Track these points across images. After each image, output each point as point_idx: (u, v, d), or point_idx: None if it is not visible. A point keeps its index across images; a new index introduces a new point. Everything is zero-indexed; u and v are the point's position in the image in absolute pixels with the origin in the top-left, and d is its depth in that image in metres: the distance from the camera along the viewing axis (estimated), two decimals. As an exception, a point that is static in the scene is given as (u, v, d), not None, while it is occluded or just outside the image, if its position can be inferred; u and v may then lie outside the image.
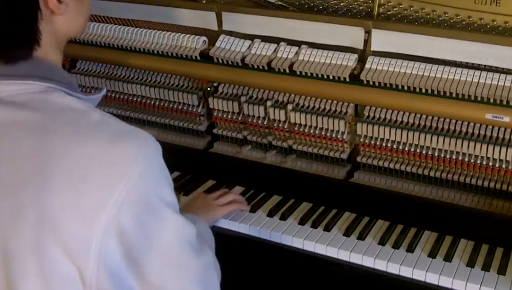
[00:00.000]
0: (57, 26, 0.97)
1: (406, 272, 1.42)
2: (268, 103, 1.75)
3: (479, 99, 1.51)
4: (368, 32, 1.63)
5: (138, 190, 0.88)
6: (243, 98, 1.78)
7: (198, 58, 1.81)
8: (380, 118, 1.64)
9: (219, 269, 1.11)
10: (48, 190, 0.86)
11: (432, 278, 1.39)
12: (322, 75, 1.65)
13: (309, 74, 1.67)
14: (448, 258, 1.44)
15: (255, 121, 1.79)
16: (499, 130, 1.53)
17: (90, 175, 0.86)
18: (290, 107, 1.72)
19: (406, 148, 1.62)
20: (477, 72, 1.52)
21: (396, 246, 1.48)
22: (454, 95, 1.53)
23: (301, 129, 1.73)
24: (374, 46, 1.62)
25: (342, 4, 1.72)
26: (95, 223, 0.86)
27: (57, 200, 0.86)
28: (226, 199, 1.59)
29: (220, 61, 1.78)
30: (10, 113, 0.90)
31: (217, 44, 1.79)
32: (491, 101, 1.50)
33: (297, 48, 1.70)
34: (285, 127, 1.75)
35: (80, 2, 1.00)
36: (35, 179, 0.86)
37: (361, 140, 1.67)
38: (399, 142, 1.63)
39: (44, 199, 0.86)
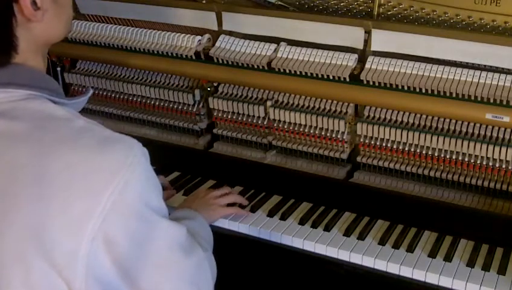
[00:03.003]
0: (36, 32, 0.94)
1: (406, 272, 1.41)
2: (269, 103, 1.75)
3: (479, 99, 1.51)
4: (368, 32, 1.63)
5: (125, 198, 0.87)
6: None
7: (201, 57, 1.80)
8: (380, 118, 1.64)
9: (214, 265, 1.12)
10: (33, 200, 0.84)
11: (431, 278, 1.39)
12: (322, 75, 1.66)
13: (309, 74, 1.67)
14: (448, 258, 1.44)
15: (254, 121, 1.79)
16: (499, 130, 1.53)
17: (75, 183, 0.85)
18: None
19: (406, 148, 1.62)
20: (477, 72, 1.52)
21: (396, 246, 1.48)
22: (454, 95, 1.53)
23: (301, 129, 1.73)
24: (374, 46, 1.62)
25: (342, 4, 1.72)
26: (81, 233, 0.84)
27: (43, 210, 0.84)
28: (228, 199, 1.58)
29: (220, 61, 1.78)
30: None
31: (217, 44, 1.79)
32: (491, 101, 1.50)
33: (297, 47, 1.70)
34: (285, 126, 1.75)
35: (59, 8, 0.97)
36: (21, 189, 0.85)
37: (361, 140, 1.67)
38: (399, 142, 1.63)
39: (30, 210, 0.84)
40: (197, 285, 1.00)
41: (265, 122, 1.78)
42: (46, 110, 0.91)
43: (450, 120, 1.57)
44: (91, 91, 1.06)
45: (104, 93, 2.00)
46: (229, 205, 1.58)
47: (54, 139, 0.87)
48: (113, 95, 1.99)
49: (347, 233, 1.53)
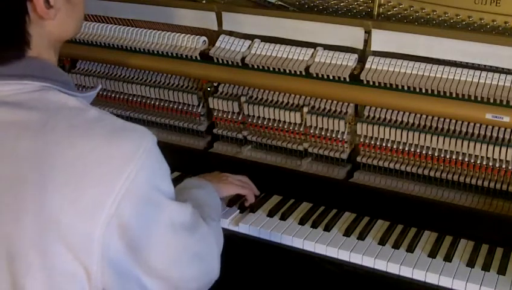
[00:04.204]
0: (48, 29, 0.97)
1: (406, 272, 1.41)
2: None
3: (479, 99, 1.51)
4: (368, 32, 1.63)
5: (138, 185, 0.90)
6: (243, 98, 1.78)
7: (198, 58, 1.80)
8: (380, 118, 1.64)
9: (220, 233, 1.18)
10: (47, 188, 0.87)
11: (431, 278, 1.39)
12: (322, 75, 1.66)
13: (309, 74, 1.67)
14: (448, 258, 1.44)
15: (254, 121, 1.79)
16: (499, 130, 1.53)
17: (89, 171, 0.88)
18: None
19: (406, 148, 1.62)
20: (477, 72, 1.52)
21: (396, 246, 1.48)
22: (454, 95, 1.53)
23: (301, 129, 1.73)
24: (374, 46, 1.62)
25: (342, 4, 1.72)
26: (96, 219, 0.87)
27: (57, 197, 0.87)
28: (242, 181, 1.60)
29: (220, 61, 1.78)
30: (7, 113, 0.91)
31: (217, 44, 1.79)
32: (491, 101, 1.50)
33: (297, 48, 1.70)
34: (285, 127, 1.75)
35: (72, 7, 1.00)
36: (35, 177, 0.87)
37: (361, 140, 1.67)
38: (399, 142, 1.63)
39: (44, 197, 0.87)
40: (199, 256, 1.05)
41: (265, 123, 1.78)
42: (60, 100, 0.94)
43: (450, 120, 1.57)
44: (100, 85, 1.10)
45: (104, 93, 2.00)
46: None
47: (68, 129, 0.90)
48: (113, 95, 2.00)
49: (347, 233, 1.53)
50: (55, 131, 0.90)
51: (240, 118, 1.81)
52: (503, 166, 1.54)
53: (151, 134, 0.95)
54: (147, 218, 0.93)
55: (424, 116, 1.60)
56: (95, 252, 0.88)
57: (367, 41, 1.64)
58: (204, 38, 1.81)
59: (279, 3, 1.78)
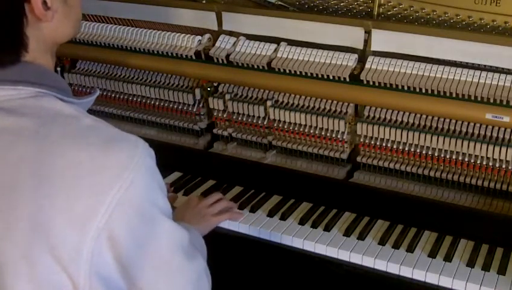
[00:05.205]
0: (45, 32, 0.95)
1: (406, 272, 1.42)
2: (269, 103, 1.75)
3: (479, 99, 1.51)
4: (368, 32, 1.63)
5: (130, 197, 0.87)
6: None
7: (202, 57, 1.80)
8: (380, 118, 1.64)
9: (210, 277, 1.11)
10: (39, 196, 0.85)
11: (431, 278, 1.39)
12: (322, 75, 1.66)
13: (309, 74, 1.67)
14: (448, 258, 1.44)
15: (255, 121, 1.79)
16: (499, 130, 1.53)
17: (81, 181, 0.85)
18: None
19: (406, 148, 1.63)
20: (477, 72, 1.52)
21: (396, 246, 1.48)
22: (454, 95, 1.53)
23: (301, 129, 1.73)
24: (374, 46, 1.62)
25: (342, 4, 1.73)
26: (86, 230, 0.85)
27: (49, 207, 0.85)
28: (219, 206, 1.55)
29: (220, 61, 1.78)
30: (0, 119, 0.89)
31: (217, 44, 1.79)
32: (491, 101, 1.50)
33: (297, 47, 1.70)
34: (285, 126, 1.75)
35: (69, 9, 0.98)
36: (27, 185, 0.85)
37: (361, 140, 1.67)
38: (399, 142, 1.63)
39: (35, 205, 0.85)
40: (196, 286, 1.00)
41: (265, 122, 1.78)
42: (55, 107, 0.92)
43: (450, 120, 1.57)
44: (98, 91, 1.07)
45: (104, 93, 2.00)
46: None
47: (61, 137, 0.88)
48: (113, 95, 1.99)
49: (347, 233, 1.53)
50: (48, 139, 0.87)
51: (240, 119, 1.81)
52: (503, 166, 1.54)
53: (146, 145, 0.92)
54: (140, 233, 0.89)
55: (424, 116, 1.60)
56: (83, 264, 0.85)
57: (367, 41, 1.64)
58: (199, 37, 1.81)
59: (279, 3, 1.78)
